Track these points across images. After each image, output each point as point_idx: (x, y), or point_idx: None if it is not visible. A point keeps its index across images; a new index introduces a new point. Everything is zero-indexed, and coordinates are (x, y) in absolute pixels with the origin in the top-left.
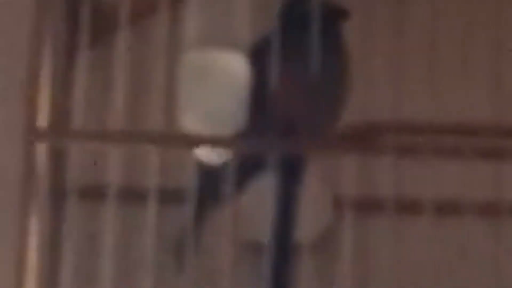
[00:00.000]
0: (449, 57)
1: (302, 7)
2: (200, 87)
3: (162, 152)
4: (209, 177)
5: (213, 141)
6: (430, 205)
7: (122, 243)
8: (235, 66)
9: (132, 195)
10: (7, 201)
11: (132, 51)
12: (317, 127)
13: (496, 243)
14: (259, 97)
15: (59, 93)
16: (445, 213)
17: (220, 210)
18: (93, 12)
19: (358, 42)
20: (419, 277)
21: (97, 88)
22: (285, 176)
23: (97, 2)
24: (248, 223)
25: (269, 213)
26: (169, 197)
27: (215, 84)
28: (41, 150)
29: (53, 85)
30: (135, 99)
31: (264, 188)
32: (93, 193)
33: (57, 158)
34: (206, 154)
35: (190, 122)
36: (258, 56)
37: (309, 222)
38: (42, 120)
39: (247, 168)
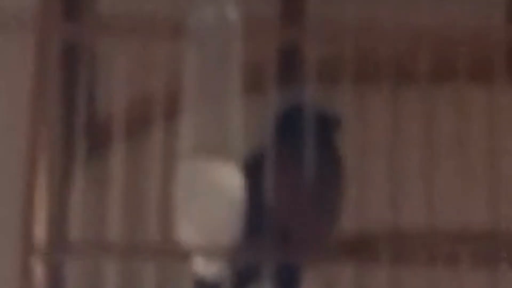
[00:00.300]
0: (446, 163)
1: (296, 118)
2: (195, 198)
3: (159, 264)
4: None
5: (210, 252)
6: None
7: None
8: (230, 177)
9: None
10: None
11: (127, 163)
12: (313, 237)
13: None
14: (255, 208)
15: (56, 207)
16: None
17: None
18: (88, 125)
19: (353, 149)
20: None
21: (94, 200)
22: (281, 286)
23: (92, 116)
24: None
25: None
26: None
27: (211, 195)
28: (38, 264)
29: (49, 199)
30: (131, 211)
31: None
32: None
33: (55, 271)
34: (202, 266)
35: (186, 233)
36: (253, 167)
37: None
38: (39, 234)
39: (243, 279)
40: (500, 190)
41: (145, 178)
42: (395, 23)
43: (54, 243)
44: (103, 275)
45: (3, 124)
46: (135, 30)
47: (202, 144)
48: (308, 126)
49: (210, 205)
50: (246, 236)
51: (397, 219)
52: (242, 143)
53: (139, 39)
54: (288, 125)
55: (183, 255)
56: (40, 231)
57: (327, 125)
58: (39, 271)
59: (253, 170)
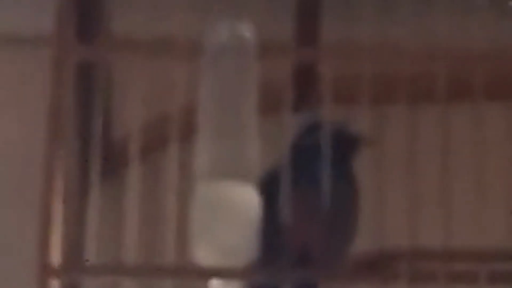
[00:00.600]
0: (463, 181)
1: (313, 139)
2: (212, 219)
3: (176, 285)
4: None
5: (227, 273)
6: None
7: None
8: (246, 198)
9: None
10: None
11: (144, 184)
12: (330, 256)
13: None
14: (271, 228)
15: (72, 229)
16: None
17: None
18: (104, 146)
19: (371, 168)
20: None
21: (111, 221)
22: None
23: (108, 137)
24: None
25: None
26: None
27: (227, 216)
28: (55, 285)
29: (66, 221)
30: (148, 232)
31: None
32: None
33: None
34: (220, 286)
35: (203, 254)
36: (269, 187)
37: None
38: (56, 256)
39: None
40: None
41: (162, 199)
42: (412, 42)
43: (71, 264)
44: None
45: (21, 145)
46: (151, 50)
47: (218, 164)
48: (325, 145)
49: (227, 226)
50: (263, 257)
51: (415, 238)
52: (258, 163)
53: (155, 59)
54: (305, 144)
55: (200, 276)
56: (56, 253)
57: (345, 145)
58: None
59: (269, 190)
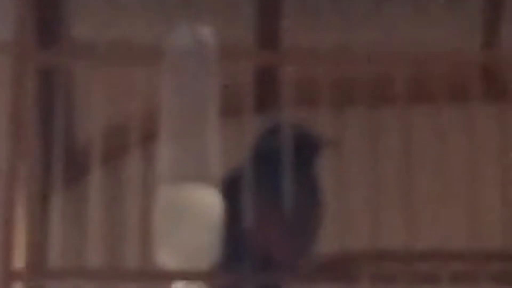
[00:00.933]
0: (425, 182)
1: (275, 141)
2: (174, 222)
3: None
4: None
5: (190, 276)
6: None
7: None
8: (208, 201)
9: None
10: None
11: (106, 188)
12: (293, 258)
13: None
14: (234, 230)
15: (35, 233)
16: None
17: None
18: (66, 151)
19: (333, 170)
20: None
21: (73, 226)
22: None
23: (70, 143)
24: None
25: None
26: None
27: (190, 219)
28: None
29: (29, 226)
30: (111, 236)
31: None
32: None
33: None
34: None
35: (166, 257)
36: (231, 190)
37: None
38: (19, 260)
39: None
40: (479, 209)
41: (124, 203)
42: (371, 46)
43: (34, 268)
44: None
45: None
46: (111, 55)
47: (180, 167)
48: (286, 148)
49: (190, 229)
50: (226, 259)
51: (378, 240)
52: (220, 166)
53: (116, 64)
54: (266, 148)
55: (164, 279)
56: (19, 258)
57: (307, 147)
58: None
59: (231, 194)
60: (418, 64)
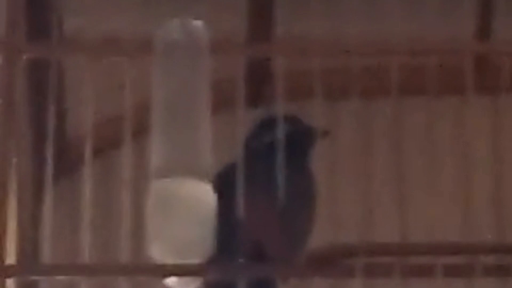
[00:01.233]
0: (417, 175)
1: (268, 134)
2: (167, 216)
3: (132, 283)
4: None
5: (182, 270)
6: None
7: None
8: (201, 195)
9: None
10: None
11: (98, 183)
12: (285, 251)
13: None
14: (227, 224)
15: (27, 228)
16: None
17: None
18: (58, 146)
19: (325, 163)
20: None
21: (65, 221)
22: None
23: (62, 137)
24: None
25: None
26: None
27: (182, 213)
28: (11, 285)
29: (20, 221)
30: (103, 231)
31: None
32: None
33: None
34: (175, 283)
35: (159, 251)
36: (224, 184)
37: None
38: (11, 256)
39: None
40: (473, 201)
41: (116, 198)
42: (364, 37)
43: (26, 264)
44: None
45: None
46: (103, 48)
47: (172, 161)
48: (280, 141)
49: (182, 223)
50: (218, 253)
51: (370, 233)
52: (212, 160)
53: (107, 58)
54: (259, 140)
55: (156, 274)
56: (11, 253)
57: (300, 140)
58: None
59: (224, 187)
60: (411, 54)
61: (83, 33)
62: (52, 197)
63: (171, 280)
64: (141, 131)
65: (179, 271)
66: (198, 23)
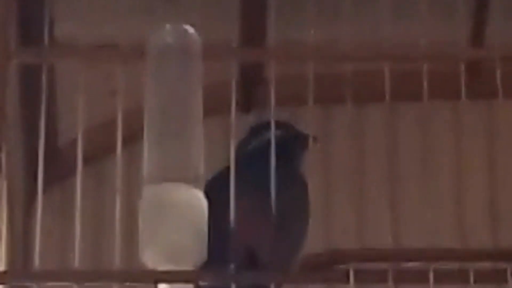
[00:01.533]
0: (412, 180)
1: (260, 140)
2: (159, 222)
3: None
4: None
5: (175, 277)
6: None
7: None
8: (193, 201)
9: None
10: None
11: (90, 189)
12: (279, 258)
13: None
14: (219, 230)
15: (19, 235)
16: None
17: None
18: (49, 152)
19: (319, 169)
20: None
21: (57, 227)
22: None
23: (53, 143)
24: None
25: None
26: None
27: (174, 219)
28: None
29: (12, 227)
30: (95, 237)
31: None
32: None
33: None
34: None
35: (151, 257)
36: (216, 190)
37: None
38: (2, 262)
39: None
40: (466, 207)
41: (109, 204)
42: (357, 43)
43: (18, 270)
44: None
45: None
46: (95, 54)
47: (164, 168)
48: (272, 146)
49: (174, 229)
50: (211, 260)
51: (364, 239)
52: (204, 166)
53: (99, 63)
54: (252, 146)
55: (149, 280)
56: (3, 259)
57: (292, 145)
58: None
59: (216, 193)
60: (404, 60)
61: (75, 38)
62: (44, 203)
63: (163, 287)
64: (133, 137)
65: (172, 277)
66: (191, 29)
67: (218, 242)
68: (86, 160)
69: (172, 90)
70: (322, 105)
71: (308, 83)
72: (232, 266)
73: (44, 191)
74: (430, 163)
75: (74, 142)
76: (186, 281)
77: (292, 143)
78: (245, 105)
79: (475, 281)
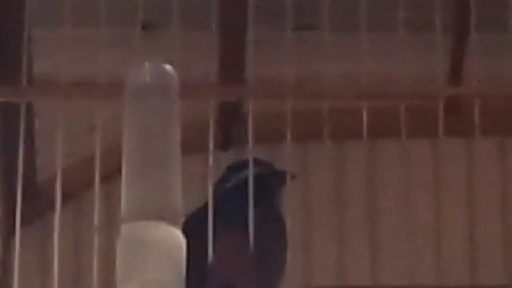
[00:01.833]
0: (391, 216)
1: (238, 177)
2: (137, 260)
3: None
4: None
5: None
6: None
7: None
8: (172, 238)
9: None
10: None
11: (68, 226)
12: None
13: None
14: (198, 268)
15: None
16: None
17: None
18: (27, 189)
19: (298, 206)
20: None
21: (36, 264)
22: None
23: (32, 180)
24: None
25: None
26: None
27: (152, 257)
28: None
29: None
30: (73, 273)
31: None
32: None
33: None
34: None
35: None
36: (194, 227)
37: None
38: None
39: None
40: (446, 244)
41: (87, 240)
42: (335, 80)
43: None
44: None
45: None
46: (73, 91)
47: (142, 205)
48: (250, 184)
49: (152, 267)
50: None
51: (344, 275)
52: (182, 203)
53: (78, 100)
54: (230, 183)
55: None
56: None
57: (270, 183)
58: None
59: (194, 230)
60: (382, 98)
61: (53, 76)
62: (22, 239)
63: None
64: (112, 173)
65: None
66: (169, 67)
67: (197, 280)
68: (65, 196)
69: (150, 128)
70: (301, 142)
71: (286, 120)
72: None
73: (23, 226)
74: (409, 200)
75: (53, 178)
76: None
77: (270, 181)
78: (224, 143)
79: None
